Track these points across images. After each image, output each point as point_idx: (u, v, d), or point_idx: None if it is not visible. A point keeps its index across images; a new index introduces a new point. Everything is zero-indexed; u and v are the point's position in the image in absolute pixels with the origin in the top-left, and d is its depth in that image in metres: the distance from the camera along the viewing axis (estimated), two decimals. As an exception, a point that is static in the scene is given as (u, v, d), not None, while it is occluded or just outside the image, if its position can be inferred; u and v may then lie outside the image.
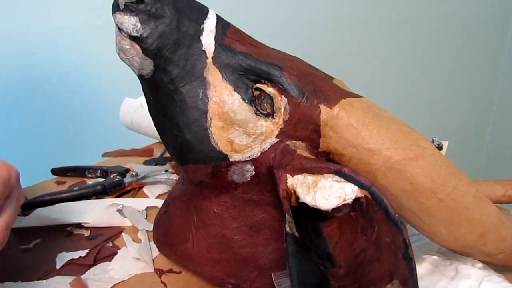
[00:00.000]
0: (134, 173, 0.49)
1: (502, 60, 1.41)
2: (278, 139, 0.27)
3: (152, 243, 0.36)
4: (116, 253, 0.36)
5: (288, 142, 0.27)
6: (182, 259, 0.32)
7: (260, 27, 0.75)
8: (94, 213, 0.41)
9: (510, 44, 1.39)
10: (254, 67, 0.26)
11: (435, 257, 0.31)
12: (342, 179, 0.23)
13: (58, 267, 0.34)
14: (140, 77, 0.28)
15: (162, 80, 0.27)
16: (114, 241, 0.38)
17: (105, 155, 0.62)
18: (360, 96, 0.28)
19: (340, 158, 0.27)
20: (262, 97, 0.27)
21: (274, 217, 0.29)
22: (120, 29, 0.25)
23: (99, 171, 0.52)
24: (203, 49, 0.26)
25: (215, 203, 0.30)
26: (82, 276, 0.32)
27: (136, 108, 0.62)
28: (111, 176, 0.49)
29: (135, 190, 0.49)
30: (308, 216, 0.24)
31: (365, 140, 0.26)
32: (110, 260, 0.35)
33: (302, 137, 0.27)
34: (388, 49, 1.19)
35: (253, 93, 0.27)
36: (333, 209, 0.22)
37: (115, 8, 0.25)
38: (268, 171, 0.27)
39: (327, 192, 0.22)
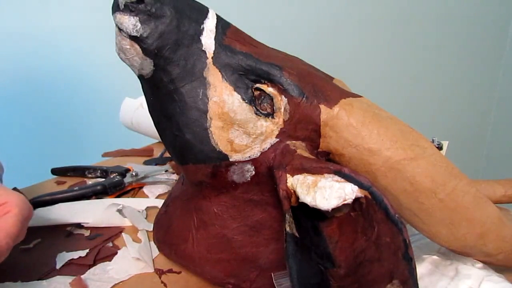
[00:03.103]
0: (134, 173, 0.49)
1: (502, 60, 1.41)
2: (278, 139, 0.27)
3: (152, 243, 0.36)
4: (116, 253, 0.36)
5: (288, 142, 0.27)
6: (182, 259, 0.32)
7: (260, 27, 0.75)
8: (94, 213, 0.41)
9: (510, 44, 1.39)
10: (254, 67, 0.26)
11: (435, 257, 0.31)
12: (342, 179, 0.23)
13: (58, 267, 0.34)
14: (140, 77, 0.28)
15: (162, 80, 0.27)
16: (114, 241, 0.38)
17: (105, 155, 0.62)
18: (360, 96, 0.28)
19: (340, 158, 0.27)
20: (262, 97, 0.27)
21: (274, 217, 0.29)
22: (120, 29, 0.25)
23: (99, 171, 0.52)
24: (203, 49, 0.26)
25: (215, 203, 0.30)
26: (82, 276, 0.32)
27: (136, 108, 0.62)
28: (111, 176, 0.49)
29: (135, 190, 0.49)
30: (308, 216, 0.24)
31: (365, 140, 0.26)
32: (110, 260, 0.35)
33: (302, 137, 0.27)
34: (388, 49, 1.19)
35: (253, 93, 0.27)
36: (333, 209, 0.22)
37: (115, 8, 0.25)
38: (268, 171, 0.27)
39: (327, 192, 0.22)
